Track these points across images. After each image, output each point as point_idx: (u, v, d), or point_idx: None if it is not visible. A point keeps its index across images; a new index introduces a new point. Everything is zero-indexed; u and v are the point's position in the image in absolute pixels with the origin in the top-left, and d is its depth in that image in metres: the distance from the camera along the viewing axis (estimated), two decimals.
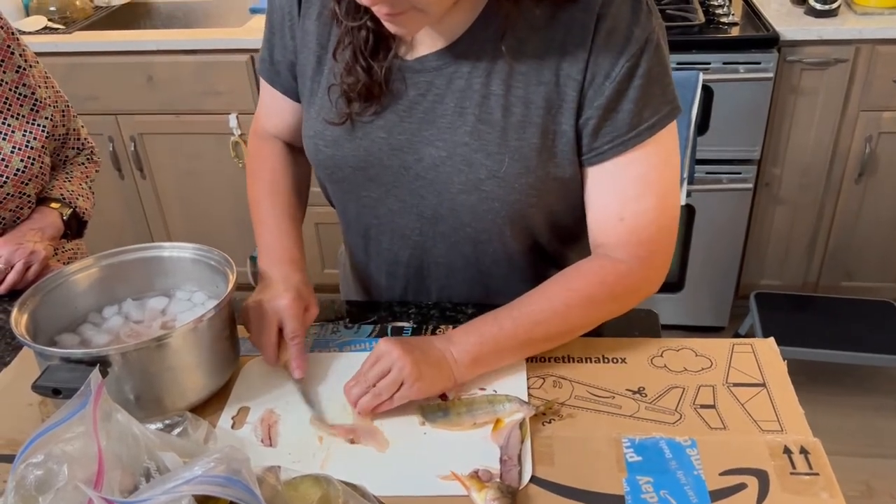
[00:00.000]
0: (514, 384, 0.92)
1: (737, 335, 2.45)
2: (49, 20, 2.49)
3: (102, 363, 0.81)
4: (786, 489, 0.78)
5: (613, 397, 0.91)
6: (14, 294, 1.18)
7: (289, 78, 1.05)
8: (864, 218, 2.36)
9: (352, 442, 0.86)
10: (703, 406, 0.89)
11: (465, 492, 0.78)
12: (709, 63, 2.12)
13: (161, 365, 0.85)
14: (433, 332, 1.03)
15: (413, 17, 0.82)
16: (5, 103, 1.29)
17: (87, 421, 0.66)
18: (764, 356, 0.96)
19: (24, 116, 1.31)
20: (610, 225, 0.94)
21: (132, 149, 2.48)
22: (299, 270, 1.01)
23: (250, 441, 0.87)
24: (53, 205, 1.35)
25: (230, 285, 0.91)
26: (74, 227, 1.39)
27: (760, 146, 2.23)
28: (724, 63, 2.11)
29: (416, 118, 0.94)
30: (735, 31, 2.18)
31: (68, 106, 1.42)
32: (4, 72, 1.29)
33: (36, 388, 0.80)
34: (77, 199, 1.39)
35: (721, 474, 0.80)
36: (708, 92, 2.14)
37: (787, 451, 0.82)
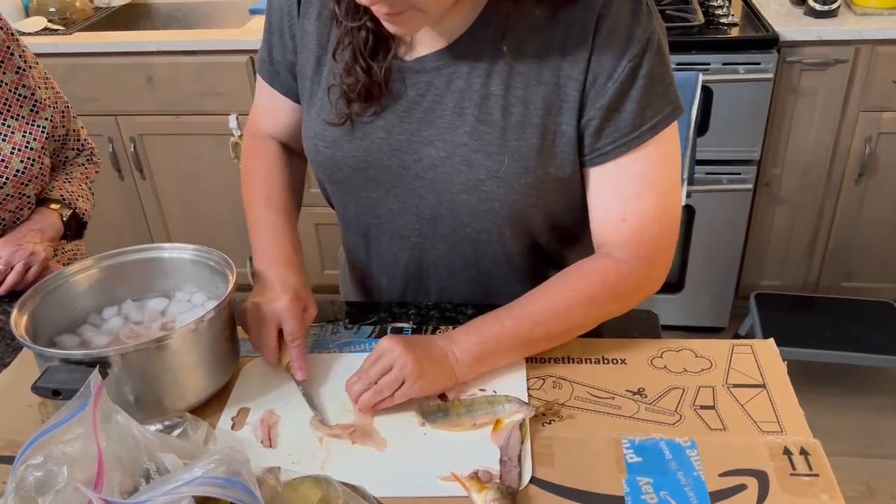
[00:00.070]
0: (514, 385, 0.92)
1: (737, 336, 2.45)
2: (49, 21, 2.49)
3: (102, 364, 0.81)
4: (786, 490, 0.77)
5: (613, 398, 0.91)
6: (14, 295, 1.18)
7: (288, 78, 1.05)
8: (864, 218, 2.36)
9: (352, 439, 0.86)
10: (702, 407, 0.89)
11: (465, 493, 0.77)
12: (708, 64, 2.12)
13: (161, 366, 0.85)
14: (433, 333, 1.03)
15: (412, 16, 0.82)
16: (5, 104, 1.29)
17: (87, 422, 0.66)
18: (764, 357, 0.96)
19: (23, 117, 1.31)
20: (612, 226, 0.94)
21: (132, 150, 2.48)
22: (296, 271, 1.01)
23: (250, 442, 0.87)
24: (53, 206, 1.35)
25: (230, 286, 0.91)
26: (74, 228, 1.39)
27: (760, 147, 2.23)
28: (724, 64, 2.11)
29: (416, 118, 0.94)
30: (735, 32, 2.18)
31: (68, 107, 1.43)
32: (4, 73, 1.29)
33: (36, 389, 0.79)
34: (77, 199, 1.39)
35: (721, 475, 0.80)
36: (708, 92, 2.14)
37: (786, 451, 0.82)
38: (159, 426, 0.80)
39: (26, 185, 1.30)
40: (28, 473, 0.65)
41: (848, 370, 2.35)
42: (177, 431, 0.80)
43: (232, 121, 2.35)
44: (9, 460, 0.79)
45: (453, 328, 0.95)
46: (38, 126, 1.33)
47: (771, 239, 2.43)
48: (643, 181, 0.92)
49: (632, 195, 0.92)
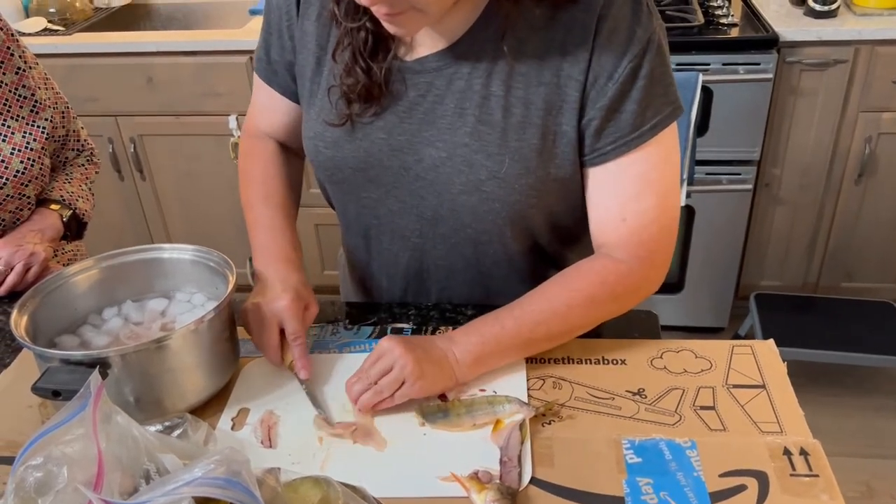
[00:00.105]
0: (514, 385, 0.92)
1: (737, 336, 2.45)
2: (49, 22, 2.49)
3: (102, 365, 0.81)
4: (786, 491, 0.77)
5: (613, 398, 0.91)
6: (14, 296, 1.18)
7: (286, 78, 1.05)
8: (863, 218, 2.36)
9: (354, 438, 0.86)
10: (702, 407, 0.89)
11: (464, 493, 0.78)
12: (708, 64, 2.12)
13: (161, 366, 0.85)
14: (433, 334, 1.03)
15: (412, 17, 0.82)
16: (5, 105, 1.29)
17: (87, 423, 0.66)
18: (764, 357, 0.96)
19: (23, 118, 1.31)
20: (612, 226, 0.94)
21: (132, 150, 2.48)
22: (296, 269, 1.00)
23: (250, 442, 0.87)
24: (53, 206, 1.35)
25: (230, 287, 0.91)
26: (74, 228, 1.39)
27: (760, 147, 2.23)
28: (724, 64, 2.11)
29: (416, 119, 0.94)
30: (734, 32, 2.18)
31: (68, 107, 1.43)
32: (4, 73, 1.29)
33: (35, 389, 0.79)
34: (77, 200, 1.39)
35: (721, 476, 0.80)
36: (707, 93, 2.14)
37: (786, 452, 0.82)
38: (159, 427, 0.80)
39: (26, 185, 1.30)
40: (28, 474, 0.65)
41: (848, 370, 2.35)
42: (177, 432, 0.80)
43: (232, 121, 2.35)
44: (9, 461, 0.79)
45: (453, 329, 0.95)
46: (38, 127, 1.33)
47: (771, 239, 2.44)
48: (643, 181, 0.92)
49: (631, 195, 0.92)
